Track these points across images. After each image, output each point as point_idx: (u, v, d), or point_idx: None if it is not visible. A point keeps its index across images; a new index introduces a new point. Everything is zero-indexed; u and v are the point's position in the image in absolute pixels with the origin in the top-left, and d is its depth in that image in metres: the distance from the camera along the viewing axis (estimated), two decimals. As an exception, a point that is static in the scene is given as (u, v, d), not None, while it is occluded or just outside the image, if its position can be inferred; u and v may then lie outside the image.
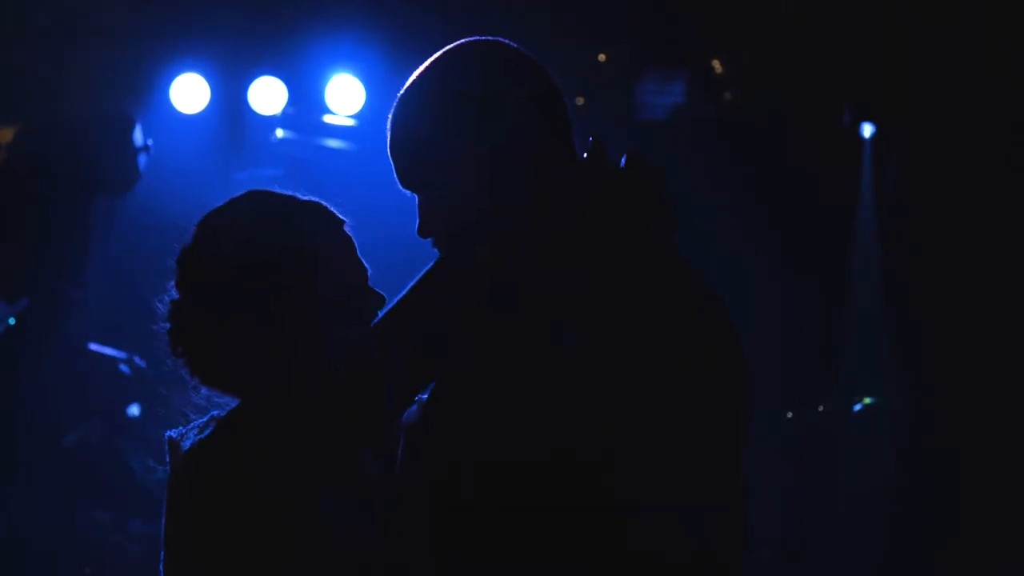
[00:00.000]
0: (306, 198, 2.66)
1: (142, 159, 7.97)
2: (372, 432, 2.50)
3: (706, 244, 8.15)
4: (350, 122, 8.53)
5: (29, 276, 7.93)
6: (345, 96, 8.29)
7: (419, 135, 2.50)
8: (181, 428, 2.61)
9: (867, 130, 8.50)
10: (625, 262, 2.39)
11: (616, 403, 2.29)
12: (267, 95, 8.35)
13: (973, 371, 7.74)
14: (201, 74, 8.25)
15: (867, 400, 8.12)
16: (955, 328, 7.85)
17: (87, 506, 7.99)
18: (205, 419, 2.61)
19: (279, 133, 8.70)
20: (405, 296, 2.46)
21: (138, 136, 7.95)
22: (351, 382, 2.42)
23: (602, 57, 8.57)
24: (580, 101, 8.60)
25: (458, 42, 2.55)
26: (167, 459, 2.59)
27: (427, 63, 2.55)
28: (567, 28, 8.20)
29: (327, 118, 8.55)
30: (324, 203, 2.67)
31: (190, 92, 8.25)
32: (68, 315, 8.08)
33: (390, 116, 2.55)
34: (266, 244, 2.58)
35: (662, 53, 8.50)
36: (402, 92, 2.55)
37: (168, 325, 2.65)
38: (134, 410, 8.40)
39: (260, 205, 2.65)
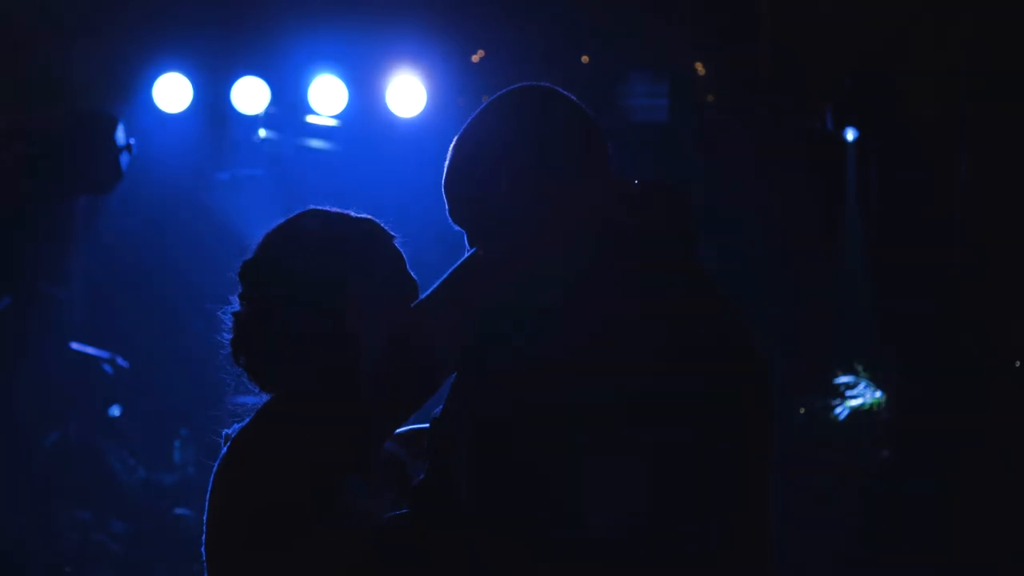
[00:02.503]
0: (359, 215, 2.81)
1: (124, 158, 7.96)
2: (395, 419, 2.66)
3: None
4: (333, 122, 8.52)
5: (11, 275, 7.91)
6: (328, 96, 8.29)
7: (475, 174, 2.62)
8: (237, 425, 2.72)
9: (850, 134, 8.52)
10: (644, 269, 2.52)
11: (623, 400, 2.39)
12: (250, 95, 8.34)
13: (965, 370, 7.75)
14: (184, 73, 8.24)
15: (851, 403, 8.13)
16: (946, 327, 7.86)
17: (67, 505, 7.98)
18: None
19: (262, 133, 8.69)
20: (437, 289, 2.62)
21: (120, 135, 7.94)
22: (386, 369, 2.58)
23: (585, 59, 8.57)
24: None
25: (511, 88, 2.68)
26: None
27: (483, 107, 2.67)
28: (550, 31, 8.21)
29: (310, 118, 8.55)
30: (376, 220, 2.82)
31: (173, 91, 8.24)
32: (50, 314, 8.07)
33: (448, 156, 2.67)
34: (324, 259, 2.72)
35: (645, 55, 8.51)
36: (460, 134, 2.67)
37: (231, 336, 2.76)
38: (115, 410, 8.39)
39: (318, 223, 2.78)
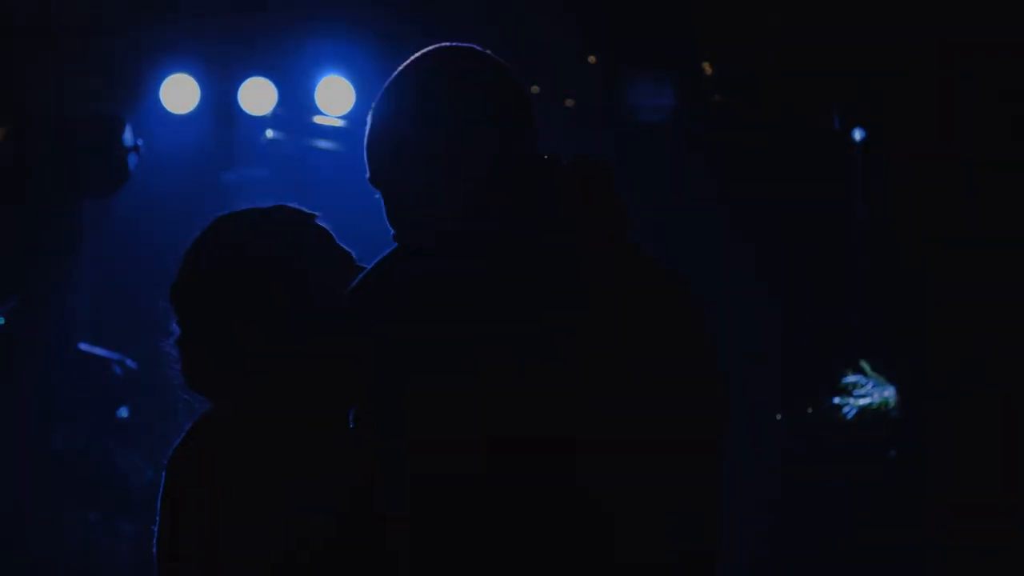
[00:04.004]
0: (270, 205, 2.74)
1: (132, 159, 7.97)
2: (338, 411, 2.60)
3: (696, 245, 8.20)
4: (340, 123, 8.52)
5: (19, 276, 7.92)
6: (335, 97, 8.29)
7: (395, 135, 2.55)
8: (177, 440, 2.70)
9: (857, 134, 8.51)
10: (573, 248, 2.43)
11: (570, 404, 2.32)
12: (257, 96, 8.34)
13: (972, 373, 7.74)
14: (191, 74, 8.24)
15: (859, 402, 8.13)
16: (952, 329, 7.85)
17: (76, 506, 7.98)
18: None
19: (269, 134, 8.70)
20: (358, 285, 2.55)
21: (128, 136, 7.95)
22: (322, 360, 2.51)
23: (592, 59, 8.57)
24: (570, 103, 8.60)
25: (432, 47, 2.60)
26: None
27: (403, 67, 2.61)
28: (557, 30, 8.20)
29: (317, 119, 8.55)
30: (290, 204, 2.75)
31: (180, 92, 8.24)
32: (58, 316, 8.07)
33: (368, 117, 2.61)
34: (247, 259, 2.66)
35: (652, 55, 8.50)
36: (380, 94, 2.61)
37: (179, 365, 2.71)
38: (123, 412, 8.39)
39: (228, 226, 2.72)
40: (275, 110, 8.43)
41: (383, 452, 2.39)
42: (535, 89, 8.55)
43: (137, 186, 8.06)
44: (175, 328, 2.71)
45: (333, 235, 2.73)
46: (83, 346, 8.25)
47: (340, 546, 2.49)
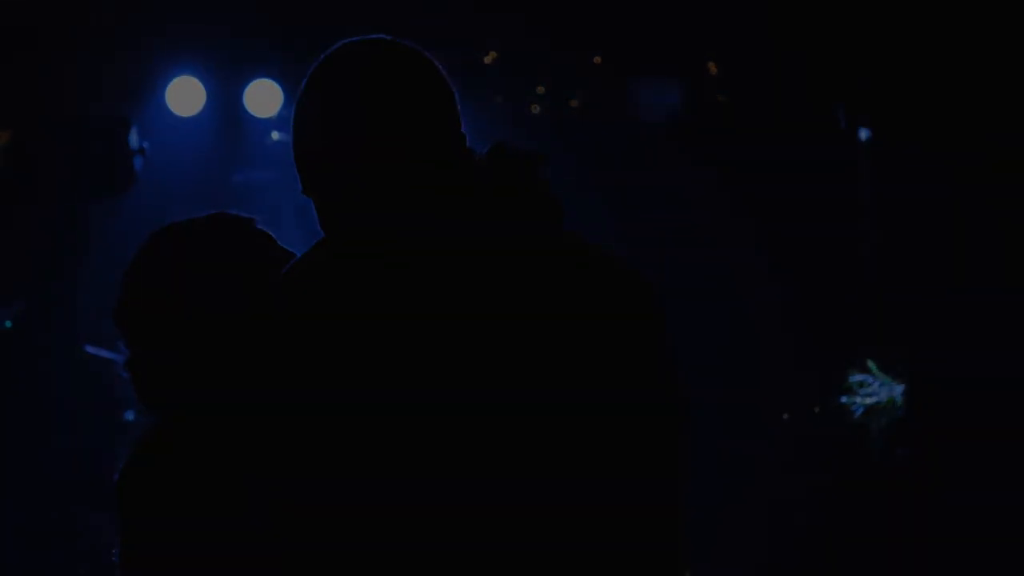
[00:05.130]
0: (206, 213, 2.69)
1: (138, 161, 7.98)
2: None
3: (701, 245, 8.21)
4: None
5: (25, 279, 7.93)
6: (341, 98, 8.29)
7: (317, 137, 2.51)
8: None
9: (863, 133, 8.51)
10: (511, 241, 2.38)
11: (514, 406, 2.28)
12: (263, 97, 8.35)
13: (978, 374, 7.74)
14: (197, 76, 8.26)
15: (866, 401, 8.13)
16: (958, 329, 7.85)
17: (82, 508, 7.99)
18: None
19: (275, 136, 8.70)
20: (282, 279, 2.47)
21: (134, 138, 7.96)
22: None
23: (597, 60, 8.57)
24: (575, 104, 8.60)
25: (345, 42, 2.54)
26: None
27: (316, 67, 2.53)
28: (562, 31, 8.21)
29: (323, 120, 8.55)
30: (227, 211, 2.71)
31: (186, 94, 8.25)
32: (64, 318, 8.09)
33: (291, 124, 2.56)
34: (182, 275, 2.62)
35: (657, 55, 8.51)
36: (299, 101, 2.55)
37: (136, 385, 2.68)
38: (129, 415, 8.40)
39: (165, 240, 2.67)
40: (281, 112, 8.44)
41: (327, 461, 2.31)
42: (540, 90, 8.56)
43: (143, 188, 8.07)
44: (123, 349, 2.67)
45: (274, 237, 2.70)
46: (89, 348, 8.26)
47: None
